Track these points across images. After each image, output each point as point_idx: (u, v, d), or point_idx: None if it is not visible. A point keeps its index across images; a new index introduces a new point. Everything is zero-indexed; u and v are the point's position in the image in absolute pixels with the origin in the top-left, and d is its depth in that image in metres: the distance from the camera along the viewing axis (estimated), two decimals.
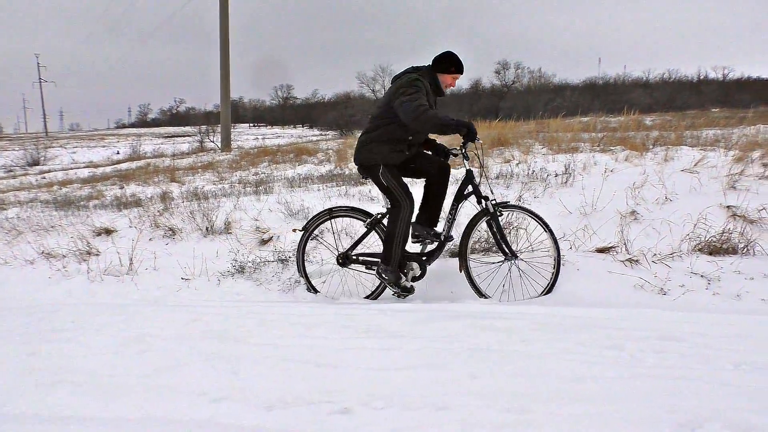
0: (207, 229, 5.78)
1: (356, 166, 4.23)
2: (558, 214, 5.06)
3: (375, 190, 6.44)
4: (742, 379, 2.22)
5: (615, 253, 4.37)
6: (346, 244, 4.56)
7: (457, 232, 4.29)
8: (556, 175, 6.22)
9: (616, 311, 3.23)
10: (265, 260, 4.99)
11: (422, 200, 4.24)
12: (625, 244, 4.41)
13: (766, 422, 1.85)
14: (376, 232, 4.26)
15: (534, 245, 4.24)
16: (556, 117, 13.82)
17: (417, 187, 4.31)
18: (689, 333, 2.71)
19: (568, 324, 2.89)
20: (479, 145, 3.99)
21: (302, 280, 4.52)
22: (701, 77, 64.98)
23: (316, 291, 4.46)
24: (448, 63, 3.99)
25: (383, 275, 4.07)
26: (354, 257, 4.31)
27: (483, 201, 4.04)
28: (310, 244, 4.71)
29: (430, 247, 4.23)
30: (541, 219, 4.00)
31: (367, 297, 4.31)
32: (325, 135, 40.26)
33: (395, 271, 4.05)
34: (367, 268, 4.29)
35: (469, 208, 4.50)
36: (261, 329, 3.17)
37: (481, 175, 4.67)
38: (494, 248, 4.47)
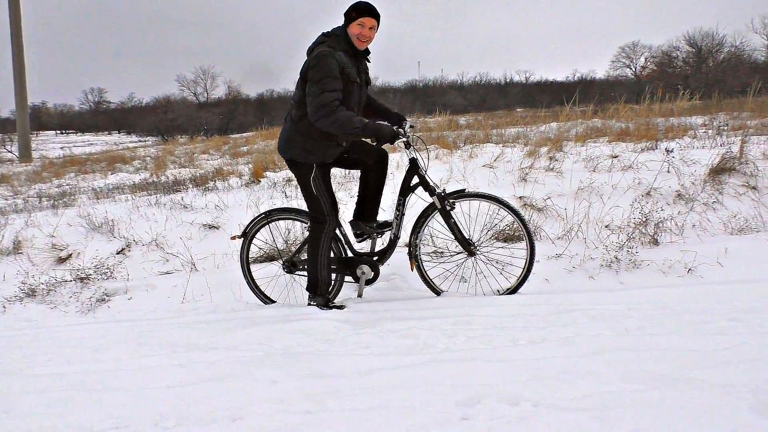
0: None
1: (284, 159, 3.65)
2: None
3: (188, 198, 6.16)
4: (517, 353, 2.45)
5: (423, 246, 4.60)
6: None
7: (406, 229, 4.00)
8: None
9: (414, 302, 3.40)
10: (61, 280, 4.52)
11: (359, 193, 3.84)
12: (431, 237, 4.67)
13: (532, 391, 2.06)
14: None
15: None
16: None
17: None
18: (478, 316, 2.94)
19: (369, 319, 2.99)
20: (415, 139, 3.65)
21: (251, 293, 4.04)
22: (507, 80, 71.81)
23: (270, 300, 4.02)
24: (350, 9, 3.32)
25: (311, 302, 3.65)
26: (301, 263, 3.86)
27: (432, 193, 3.64)
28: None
29: (379, 247, 3.87)
30: (506, 204, 3.66)
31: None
32: (145, 141, 37.79)
33: (324, 295, 3.63)
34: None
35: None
36: (46, 357, 2.87)
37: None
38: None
